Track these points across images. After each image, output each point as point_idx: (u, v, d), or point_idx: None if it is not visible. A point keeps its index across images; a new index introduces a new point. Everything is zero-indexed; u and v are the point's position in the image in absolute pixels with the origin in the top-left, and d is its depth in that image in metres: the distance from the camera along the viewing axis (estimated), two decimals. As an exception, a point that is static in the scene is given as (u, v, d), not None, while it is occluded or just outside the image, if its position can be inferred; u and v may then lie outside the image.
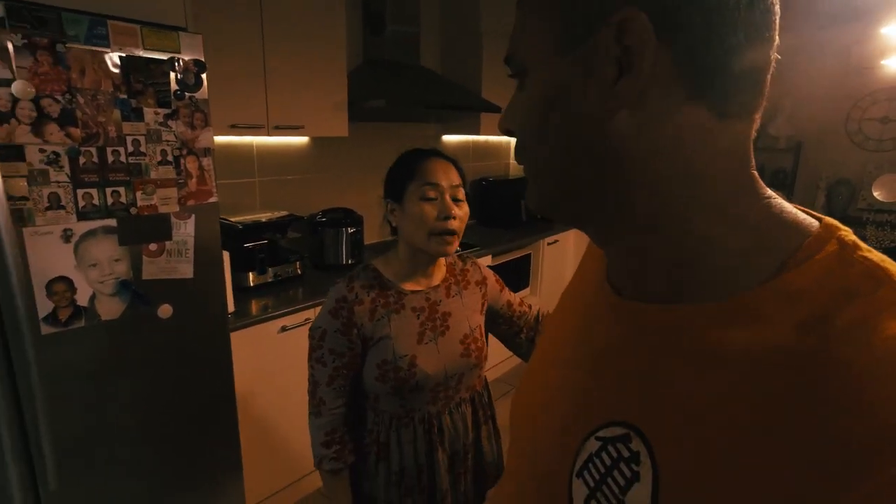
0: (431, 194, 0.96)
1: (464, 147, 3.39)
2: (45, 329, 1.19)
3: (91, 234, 1.23)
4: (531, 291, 3.31)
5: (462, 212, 0.99)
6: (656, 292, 0.37)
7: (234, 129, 1.88)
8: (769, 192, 0.35)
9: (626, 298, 0.40)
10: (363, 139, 2.64)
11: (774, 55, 0.34)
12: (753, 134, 0.35)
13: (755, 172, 0.35)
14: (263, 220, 2.11)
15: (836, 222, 0.34)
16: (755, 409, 0.29)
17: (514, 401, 0.55)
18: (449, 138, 3.24)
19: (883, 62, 3.26)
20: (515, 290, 3.13)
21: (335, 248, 2.33)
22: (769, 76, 0.34)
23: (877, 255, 0.32)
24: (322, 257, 2.35)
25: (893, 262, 0.31)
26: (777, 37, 0.33)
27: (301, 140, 2.43)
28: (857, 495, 0.25)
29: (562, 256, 3.50)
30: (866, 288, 0.30)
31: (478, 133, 2.98)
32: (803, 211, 0.35)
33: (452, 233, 0.97)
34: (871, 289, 0.30)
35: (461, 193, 1.00)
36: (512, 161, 3.82)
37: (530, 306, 1.22)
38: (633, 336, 0.39)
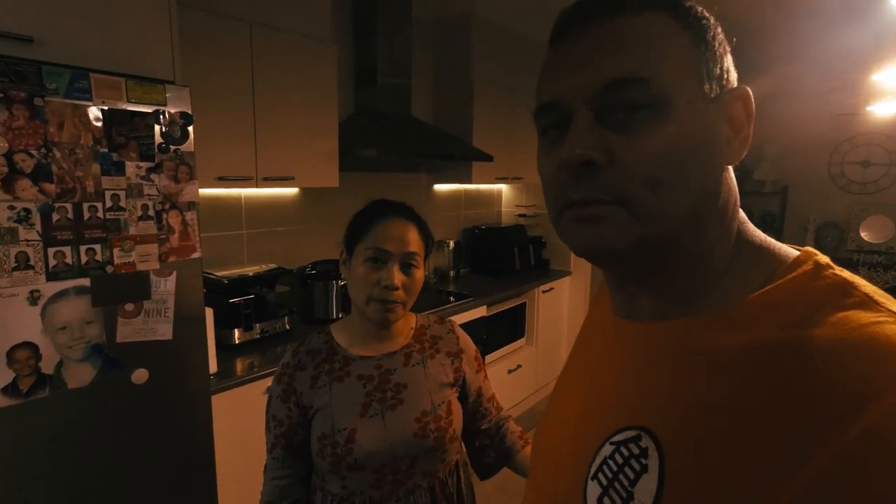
0: (378, 258, 0.90)
1: (455, 196, 3.38)
2: (2, 401, 1.08)
3: (62, 294, 1.14)
4: (527, 341, 3.21)
5: (411, 281, 0.92)
6: (669, 313, 0.42)
7: (222, 181, 1.83)
8: (752, 225, 0.43)
9: (642, 321, 0.44)
10: (354, 189, 2.61)
11: None
12: None
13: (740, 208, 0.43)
14: (251, 274, 2.03)
15: (814, 250, 0.39)
16: (744, 396, 0.34)
17: (534, 440, 0.57)
18: (440, 187, 3.23)
19: (867, 108, 3.34)
20: (510, 340, 3.05)
21: (325, 302, 2.24)
22: None
23: (846, 273, 0.37)
24: (312, 311, 2.26)
25: (858, 278, 0.37)
26: None
27: (291, 191, 2.39)
28: (821, 463, 0.29)
29: (557, 304, 3.43)
30: (836, 295, 0.35)
31: (469, 181, 2.97)
32: (789, 245, 0.42)
33: (393, 301, 0.90)
34: (840, 296, 0.35)
35: (416, 259, 0.92)
36: (504, 209, 3.81)
37: (499, 410, 1.09)
38: (643, 351, 0.43)
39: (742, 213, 0.42)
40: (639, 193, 0.37)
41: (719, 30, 0.40)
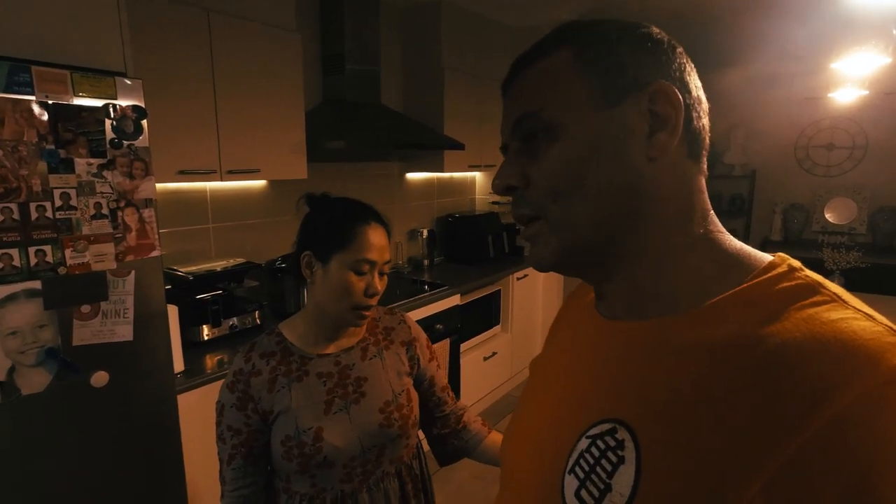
0: (364, 269, 0.90)
1: (428, 184, 3.36)
2: (-48, 411, 1.04)
3: (10, 298, 1.10)
4: (502, 328, 3.24)
5: (383, 285, 0.95)
6: (647, 312, 0.44)
7: (184, 175, 1.78)
8: (729, 234, 0.45)
9: (619, 320, 0.46)
10: (324, 180, 2.57)
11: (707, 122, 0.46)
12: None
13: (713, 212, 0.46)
14: (218, 269, 1.99)
15: (787, 256, 0.42)
16: (717, 388, 0.36)
17: (505, 434, 0.58)
18: (413, 176, 3.21)
19: (829, 94, 3.41)
20: (486, 327, 3.06)
21: (296, 295, 2.21)
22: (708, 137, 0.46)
23: (814, 274, 0.40)
24: (283, 305, 2.23)
25: (827, 280, 0.40)
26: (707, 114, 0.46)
27: (258, 184, 2.34)
28: (789, 451, 0.31)
29: (532, 291, 3.46)
30: (806, 294, 0.38)
31: (441, 170, 2.95)
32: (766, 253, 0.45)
33: (371, 307, 0.93)
34: (810, 294, 0.38)
35: (387, 267, 0.95)
36: (478, 196, 3.80)
37: (456, 401, 1.10)
38: (623, 349, 0.44)
39: (717, 223, 0.45)
40: (547, 205, 0.44)
41: (627, 39, 0.43)
